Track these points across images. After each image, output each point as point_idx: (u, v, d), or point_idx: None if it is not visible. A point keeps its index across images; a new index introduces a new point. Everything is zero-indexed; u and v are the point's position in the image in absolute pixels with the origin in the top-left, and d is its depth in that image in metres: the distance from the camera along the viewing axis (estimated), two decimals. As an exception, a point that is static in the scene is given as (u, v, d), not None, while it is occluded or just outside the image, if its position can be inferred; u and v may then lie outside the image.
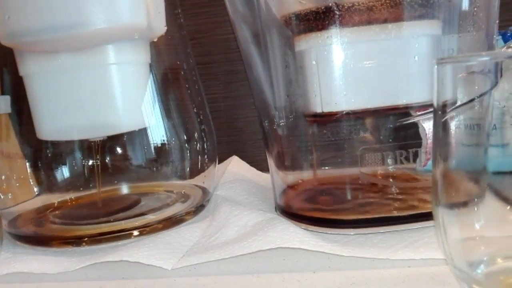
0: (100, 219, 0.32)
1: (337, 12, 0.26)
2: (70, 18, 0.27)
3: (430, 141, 0.34)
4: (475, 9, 0.29)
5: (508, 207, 0.21)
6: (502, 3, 0.35)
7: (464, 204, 0.21)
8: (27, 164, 0.35)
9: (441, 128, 0.22)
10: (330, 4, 0.26)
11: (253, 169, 0.43)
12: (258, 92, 0.32)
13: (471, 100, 0.29)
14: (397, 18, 0.27)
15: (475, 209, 0.20)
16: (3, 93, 0.34)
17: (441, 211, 0.19)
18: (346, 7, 0.26)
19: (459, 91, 0.29)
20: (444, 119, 0.22)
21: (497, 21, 0.29)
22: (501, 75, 0.30)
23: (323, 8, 0.26)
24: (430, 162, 0.33)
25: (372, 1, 0.26)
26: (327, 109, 0.29)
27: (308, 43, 0.28)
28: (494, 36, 0.29)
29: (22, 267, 0.26)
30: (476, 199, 0.22)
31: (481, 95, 0.29)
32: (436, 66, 0.19)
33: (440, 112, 0.21)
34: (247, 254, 0.25)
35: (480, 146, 0.30)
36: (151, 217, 0.31)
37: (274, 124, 0.32)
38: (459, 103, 0.24)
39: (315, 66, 0.29)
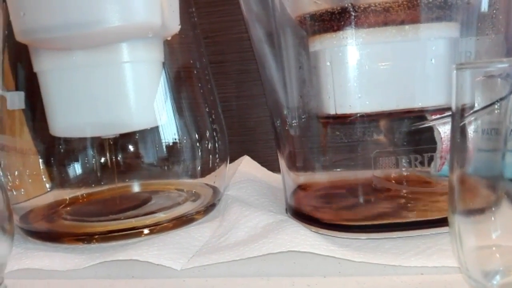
0: (111, 216, 0.32)
1: (353, 13, 0.26)
2: (84, 15, 0.27)
3: (445, 145, 0.33)
4: (494, 11, 0.28)
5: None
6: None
7: (481, 211, 0.21)
8: (40, 160, 0.35)
9: (459, 133, 0.21)
10: (346, 5, 0.26)
11: (264, 169, 0.43)
12: (270, 92, 0.32)
13: (490, 105, 0.28)
14: (414, 20, 0.27)
15: (492, 217, 0.20)
16: (17, 89, 0.34)
17: (457, 219, 0.19)
18: (362, 8, 0.26)
19: (477, 95, 0.29)
20: (462, 124, 0.22)
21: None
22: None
23: (338, 8, 0.26)
24: (445, 167, 0.32)
25: (388, 2, 0.26)
26: (341, 111, 0.29)
27: (322, 44, 0.28)
28: (514, 39, 0.29)
29: (33, 263, 0.27)
30: (493, 207, 0.21)
31: (499, 100, 0.28)
32: (455, 71, 0.18)
33: (459, 117, 0.21)
34: (257, 257, 0.25)
35: (498, 151, 0.29)
36: (161, 216, 0.31)
37: (286, 125, 0.32)
38: (477, 107, 0.24)
39: (329, 67, 0.28)
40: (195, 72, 0.36)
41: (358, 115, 0.28)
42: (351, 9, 0.26)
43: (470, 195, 0.20)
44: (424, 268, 0.22)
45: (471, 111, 0.28)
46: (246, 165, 0.43)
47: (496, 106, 0.27)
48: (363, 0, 0.26)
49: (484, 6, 0.28)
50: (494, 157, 0.29)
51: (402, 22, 0.27)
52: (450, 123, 0.29)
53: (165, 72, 0.33)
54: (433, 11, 0.27)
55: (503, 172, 0.29)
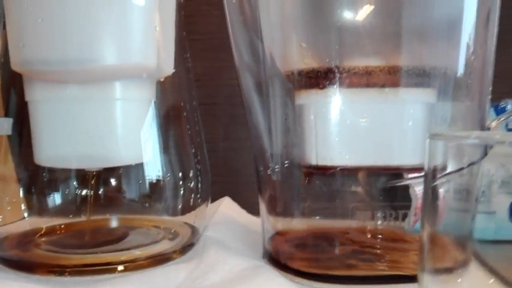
0: (86, 249, 0.32)
1: (337, 74, 0.28)
2: (82, 52, 0.28)
3: (419, 201, 0.34)
4: (469, 81, 0.31)
5: (492, 279, 0.21)
6: (496, 74, 0.37)
7: (449, 271, 0.22)
8: (21, 188, 0.35)
9: (431, 193, 0.23)
10: (331, 66, 0.27)
11: (244, 212, 0.43)
12: (256, 137, 0.33)
13: (461, 169, 0.30)
14: (394, 84, 0.29)
15: (459, 279, 0.21)
16: (6, 115, 0.34)
17: (426, 277, 0.20)
18: (346, 70, 0.28)
19: (450, 157, 0.30)
20: (433, 185, 0.23)
21: (490, 95, 0.31)
22: (491, 146, 0.31)
23: (324, 68, 0.28)
24: (418, 223, 0.34)
25: (371, 67, 0.28)
26: (322, 162, 0.30)
27: (308, 99, 0.30)
28: (486, 108, 0.31)
29: (3, 293, 0.26)
30: (460, 268, 0.22)
31: (470, 164, 0.30)
32: (428, 140, 0.20)
33: (430, 179, 0.22)
34: (230, 301, 0.25)
35: (468, 212, 0.30)
36: (137, 253, 0.31)
37: (268, 170, 0.33)
38: (449, 170, 0.25)
39: (313, 121, 0.30)
40: (184, 113, 0.37)
41: (338, 168, 0.29)
42: (335, 70, 0.28)
43: (439, 254, 0.21)
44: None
45: (443, 174, 0.30)
46: (227, 206, 0.43)
47: (465, 171, 0.29)
48: (347, 63, 0.28)
49: (460, 76, 0.30)
50: (464, 218, 0.30)
51: (383, 85, 0.28)
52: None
53: (155, 111, 0.34)
54: (412, 77, 0.28)
55: (473, 233, 0.31)
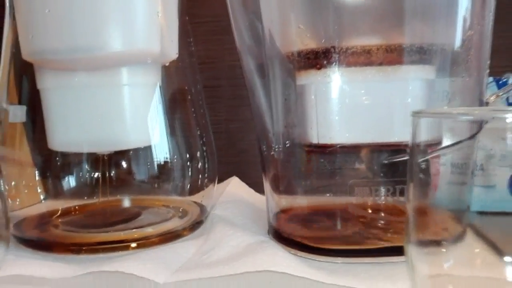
0: (101, 228, 0.34)
1: (335, 54, 0.28)
2: (89, 40, 0.29)
3: (433, 178, 0.35)
4: (467, 57, 0.31)
5: (477, 249, 0.22)
6: (496, 50, 0.37)
7: (436, 243, 0.23)
8: (37, 172, 0.36)
9: (417, 168, 0.23)
10: (329, 47, 0.28)
11: (252, 191, 0.45)
12: (258, 118, 0.34)
13: (453, 144, 0.31)
14: (393, 62, 0.29)
15: (444, 249, 0.22)
16: (20, 103, 0.36)
17: (411, 248, 0.21)
18: (344, 50, 0.28)
19: (445, 133, 0.31)
20: (421, 160, 0.23)
21: (488, 70, 0.31)
22: (487, 121, 0.31)
23: (322, 49, 0.28)
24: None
25: (369, 45, 0.28)
26: (322, 141, 0.31)
27: (308, 79, 0.30)
28: (484, 83, 0.31)
29: (23, 270, 0.28)
30: (453, 239, 0.23)
31: (461, 141, 0.31)
32: (411, 117, 0.20)
33: (414, 154, 0.22)
34: (236, 275, 0.26)
35: (464, 185, 0.31)
36: (149, 230, 0.33)
37: (271, 149, 0.34)
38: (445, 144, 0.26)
39: (313, 100, 0.30)
40: (189, 96, 0.38)
41: (338, 145, 0.30)
42: (333, 51, 0.28)
43: (425, 226, 0.21)
44: (388, 292, 0.24)
45: (438, 148, 0.30)
46: (234, 186, 0.45)
47: (461, 145, 0.29)
48: (345, 43, 0.28)
49: (458, 52, 0.31)
50: (460, 191, 0.31)
51: (381, 64, 0.29)
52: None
53: (161, 95, 0.35)
54: (411, 55, 0.29)
55: (469, 206, 0.32)
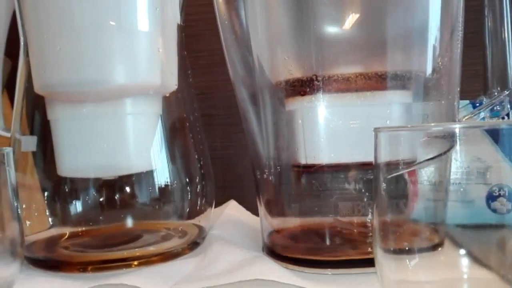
0: (105, 248, 0.36)
1: (318, 82, 0.31)
2: (96, 75, 0.32)
3: (414, 195, 0.37)
4: (441, 82, 0.34)
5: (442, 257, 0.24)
6: (472, 75, 0.40)
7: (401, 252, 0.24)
8: (46, 197, 0.39)
9: (380, 183, 0.24)
10: (311, 76, 0.31)
11: (248, 213, 0.47)
12: (251, 143, 0.37)
13: (425, 161, 0.33)
14: (371, 88, 0.32)
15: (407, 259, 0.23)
16: (31, 134, 0.39)
17: (379, 254, 0.23)
18: (326, 78, 0.31)
19: (420, 151, 0.34)
20: (388, 176, 0.25)
21: (458, 94, 0.34)
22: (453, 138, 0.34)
23: (306, 78, 0.32)
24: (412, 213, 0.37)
25: (348, 74, 0.31)
26: (310, 161, 0.33)
27: (295, 105, 0.33)
28: (456, 105, 0.34)
29: (34, 286, 0.30)
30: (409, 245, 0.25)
31: (428, 159, 0.33)
32: (373, 133, 0.23)
33: (377, 170, 0.24)
34: (230, 284, 0.28)
35: (440, 200, 0.34)
36: (150, 249, 0.35)
37: (264, 174, 0.36)
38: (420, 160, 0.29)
39: (300, 124, 0.33)
40: (187, 124, 0.41)
41: (324, 165, 0.32)
42: (315, 79, 0.31)
43: (389, 235, 0.23)
44: (369, 297, 0.26)
45: (416, 163, 0.33)
46: (232, 208, 0.47)
47: (435, 161, 0.32)
48: (327, 71, 0.31)
49: (431, 76, 0.34)
50: (434, 205, 0.34)
51: (361, 89, 0.32)
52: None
53: (162, 123, 0.38)
54: (388, 81, 0.32)
55: (445, 218, 0.34)
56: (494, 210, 0.26)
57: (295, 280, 0.28)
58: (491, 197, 0.26)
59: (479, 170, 0.40)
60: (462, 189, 0.39)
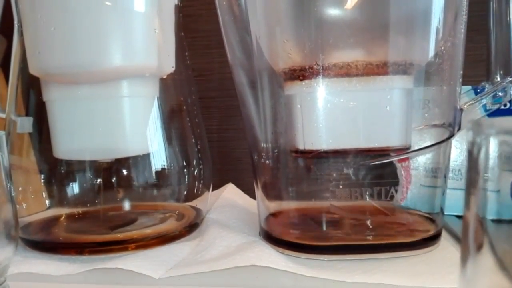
0: (102, 230, 0.36)
1: (318, 66, 0.31)
2: (91, 56, 0.32)
3: (406, 181, 0.37)
4: (443, 67, 0.33)
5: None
6: (476, 60, 0.39)
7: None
8: (42, 179, 0.39)
9: None
10: (312, 64, 0.31)
11: (246, 196, 0.47)
12: (249, 127, 0.36)
13: (426, 147, 0.33)
14: (372, 73, 0.31)
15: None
16: (27, 115, 0.38)
17: None
18: (326, 62, 0.31)
19: (422, 138, 0.33)
20: None
21: (461, 79, 0.33)
22: (459, 128, 0.34)
23: (306, 66, 0.31)
24: (404, 201, 0.37)
25: (348, 63, 0.30)
26: (308, 147, 0.33)
27: (294, 89, 0.33)
28: (457, 91, 0.33)
29: (30, 268, 0.30)
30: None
31: (436, 143, 0.33)
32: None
33: None
34: (226, 269, 0.28)
35: (438, 188, 0.33)
36: (147, 231, 0.35)
37: (261, 157, 0.36)
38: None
39: (299, 109, 0.33)
40: (185, 107, 0.40)
41: (323, 150, 0.32)
42: (315, 66, 0.31)
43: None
44: (364, 284, 0.26)
45: (409, 151, 0.33)
46: (230, 191, 0.47)
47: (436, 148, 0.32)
48: (327, 55, 0.31)
49: (433, 62, 0.33)
50: (434, 193, 0.33)
51: (362, 75, 0.31)
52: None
53: (159, 106, 0.37)
54: (389, 66, 0.31)
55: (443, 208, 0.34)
56: None
57: (291, 267, 0.28)
58: None
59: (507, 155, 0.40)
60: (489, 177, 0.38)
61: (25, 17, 0.34)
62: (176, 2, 0.38)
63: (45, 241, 0.35)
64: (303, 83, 0.32)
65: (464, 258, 0.18)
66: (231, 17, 0.35)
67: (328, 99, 0.32)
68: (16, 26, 0.36)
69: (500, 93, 0.35)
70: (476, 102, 0.34)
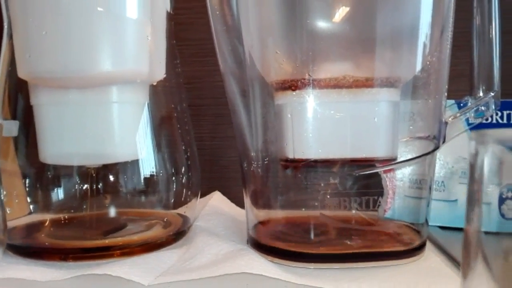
0: (87, 237, 0.35)
1: (309, 77, 0.31)
2: (81, 61, 0.32)
3: (391, 192, 0.38)
4: (429, 81, 0.34)
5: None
6: (458, 75, 0.40)
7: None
8: (27, 183, 0.38)
9: None
10: (304, 78, 0.31)
11: (233, 205, 0.47)
12: (240, 135, 0.37)
13: (412, 159, 0.34)
14: (361, 85, 0.32)
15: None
16: (14, 118, 0.38)
17: None
18: (316, 75, 0.31)
19: (407, 150, 0.34)
20: None
21: (446, 93, 0.35)
22: (444, 141, 0.35)
23: (297, 79, 0.31)
24: (390, 211, 0.37)
25: (338, 78, 0.31)
26: (298, 156, 0.33)
27: (285, 99, 0.33)
28: (443, 105, 0.34)
29: (15, 274, 0.30)
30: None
31: (421, 155, 0.33)
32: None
33: None
34: (216, 277, 0.28)
35: (423, 199, 0.34)
36: (134, 238, 0.35)
37: (251, 166, 0.36)
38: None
39: (290, 119, 0.33)
40: (175, 114, 0.40)
41: (312, 160, 0.33)
42: (305, 79, 0.31)
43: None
44: (353, 292, 0.26)
45: (395, 162, 0.33)
46: (217, 199, 0.47)
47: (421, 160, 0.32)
48: (317, 66, 0.31)
49: (419, 76, 0.34)
50: (419, 204, 0.34)
51: (351, 87, 0.32)
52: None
53: (148, 112, 0.37)
54: (378, 80, 0.32)
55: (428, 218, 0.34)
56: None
57: (280, 274, 0.28)
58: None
59: (464, 170, 0.41)
60: (444, 188, 0.39)
61: (15, 21, 0.33)
62: (168, 10, 0.38)
63: (29, 246, 0.34)
64: (294, 93, 0.32)
65: (465, 272, 0.18)
66: (223, 26, 0.36)
67: (317, 109, 0.32)
68: (5, 29, 0.36)
69: (482, 108, 0.36)
70: (461, 115, 0.35)
